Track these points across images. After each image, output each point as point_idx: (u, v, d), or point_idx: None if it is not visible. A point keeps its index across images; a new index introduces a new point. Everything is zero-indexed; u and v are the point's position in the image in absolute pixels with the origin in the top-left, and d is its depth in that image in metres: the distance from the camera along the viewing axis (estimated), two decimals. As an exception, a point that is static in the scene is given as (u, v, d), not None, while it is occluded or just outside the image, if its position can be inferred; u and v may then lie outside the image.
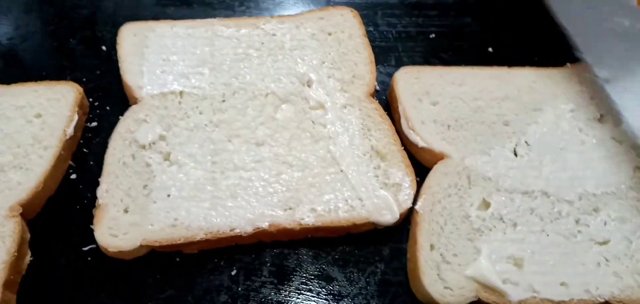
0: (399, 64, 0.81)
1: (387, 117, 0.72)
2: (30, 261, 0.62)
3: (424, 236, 0.62)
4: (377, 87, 0.78)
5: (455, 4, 0.92)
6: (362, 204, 0.64)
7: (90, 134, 0.73)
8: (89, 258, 0.63)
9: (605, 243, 0.63)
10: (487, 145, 0.69)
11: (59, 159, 0.66)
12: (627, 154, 0.70)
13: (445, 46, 0.86)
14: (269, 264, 0.64)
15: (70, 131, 0.68)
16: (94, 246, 0.62)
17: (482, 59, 0.83)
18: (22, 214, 0.62)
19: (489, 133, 0.71)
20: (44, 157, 0.66)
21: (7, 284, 0.57)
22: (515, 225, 0.63)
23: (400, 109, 0.72)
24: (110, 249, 0.60)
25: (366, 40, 0.80)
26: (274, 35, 0.79)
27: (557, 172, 0.68)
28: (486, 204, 0.65)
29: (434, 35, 0.87)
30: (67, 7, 0.88)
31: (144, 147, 0.67)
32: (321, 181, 0.66)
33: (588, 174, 0.67)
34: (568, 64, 0.79)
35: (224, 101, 0.72)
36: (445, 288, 0.59)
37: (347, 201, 0.65)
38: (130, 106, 0.72)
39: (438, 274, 0.60)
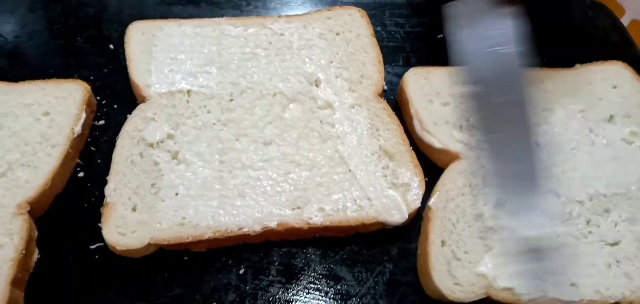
0: (407, 64, 0.81)
1: (395, 117, 0.72)
2: (38, 258, 0.61)
3: (436, 232, 0.61)
4: (385, 87, 0.77)
5: (463, 4, 0.92)
6: (371, 204, 0.64)
7: (97, 133, 0.73)
8: (97, 256, 0.62)
9: (616, 243, 0.62)
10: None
11: (67, 157, 0.66)
12: (637, 155, 0.69)
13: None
14: (276, 263, 0.64)
15: (78, 129, 0.68)
16: (101, 244, 0.62)
17: (490, 59, 0.83)
18: (29, 212, 0.61)
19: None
20: (52, 155, 0.65)
21: (15, 282, 0.57)
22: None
23: (412, 110, 0.72)
24: (118, 248, 0.60)
25: (374, 40, 0.80)
26: (282, 34, 0.79)
27: (567, 172, 0.67)
28: (500, 204, 0.64)
29: (441, 35, 0.87)
30: (73, 6, 0.88)
31: (152, 145, 0.67)
32: (329, 181, 0.66)
33: (598, 175, 0.67)
34: (577, 65, 0.79)
35: (231, 100, 0.72)
36: (455, 284, 0.59)
37: (355, 200, 0.64)
38: (137, 104, 0.72)
39: (448, 270, 0.60)
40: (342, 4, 0.85)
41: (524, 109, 0.55)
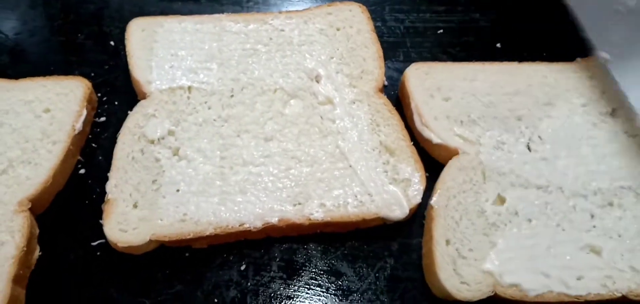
0: (407, 60, 0.81)
1: (396, 112, 0.72)
2: (39, 256, 0.61)
3: (440, 231, 0.61)
4: (386, 83, 0.77)
5: (463, -1, 0.91)
6: (372, 199, 0.64)
7: (98, 129, 0.73)
8: (98, 253, 0.62)
9: (620, 237, 0.62)
10: (501, 140, 0.69)
11: (68, 154, 0.66)
12: (640, 149, 0.69)
13: (453, 41, 0.86)
14: (278, 259, 0.64)
15: (78, 125, 0.68)
16: (103, 241, 0.62)
17: (491, 54, 0.83)
18: (31, 209, 0.62)
19: (501, 128, 0.70)
20: (53, 152, 0.65)
21: (17, 279, 0.57)
22: (530, 220, 0.63)
23: (412, 105, 0.72)
24: (120, 244, 0.60)
25: (374, 35, 0.79)
26: (282, 30, 0.79)
27: (571, 166, 0.67)
28: (501, 199, 0.64)
29: (442, 30, 0.87)
30: (74, 3, 0.88)
31: (152, 142, 0.67)
32: (330, 177, 0.66)
33: (602, 169, 0.67)
34: (578, 59, 0.78)
35: (232, 96, 0.72)
36: (462, 282, 0.59)
37: (356, 196, 0.64)
38: (138, 101, 0.72)
39: (454, 269, 0.59)
40: (342, -1, 0.85)
41: None
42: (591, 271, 0.60)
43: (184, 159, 0.66)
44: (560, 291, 0.58)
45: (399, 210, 0.63)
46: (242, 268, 0.63)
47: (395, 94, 0.78)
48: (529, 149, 0.69)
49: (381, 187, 0.65)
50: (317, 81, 0.74)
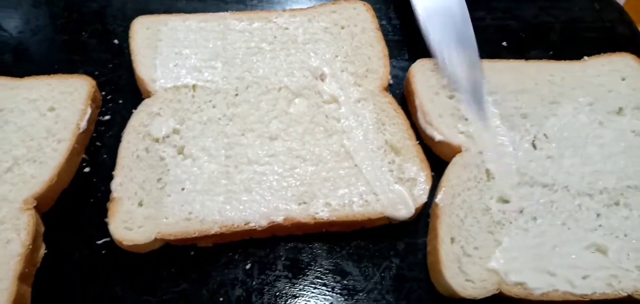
0: (412, 58, 0.80)
1: (401, 111, 0.72)
2: (45, 254, 0.61)
3: (445, 229, 0.61)
4: (391, 81, 0.77)
5: (469, -3, 0.91)
6: (377, 198, 0.64)
7: (103, 128, 0.73)
8: (103, 251, 0.62)
9: (627, 236, 0.62)
10: (506, 138, 0.69)
11: (73, 153, 0.66)
12: (646, 148, 0.69)
13: (458, 40, 0.85)
14: (283, 258, 0.63)
15: (83, 124, 0.68)
16: (108, 239, 0.62)
17: (496, 52, 0.82)
18: (36, 207, 0.61)
19: (507, 126, 0.70)
20: (58, 150, 0.65)
21: (22, 277, 0.57)
22: (535, 218, 0.63)
23: (416, 102, 0.71)
24: (125, 243, 0.60)
25: (379, 33, 0.79)
26: (287, 28, 0.78)
27: (577, 165, 0.67)
28: (506, 197, 0.64)
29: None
30: (76, 1, 0.87)
31: (157, 140, 0.67)
32: (335, 176, 0.65)
33: (608, 168, 0.67)
34: (585, 57, 0.78)
35: (237, 94, 0.72)
36: (467, 280, 0.58)
37: (361, 195, 0.64)
38: (143, 99, 0.72)
39: (459, 267, 0.59)
40: (347, -3, 0.85)
41: None
42: (597, 271, 0.60)
43: (189, 158, 0.66)
44: (565, 290, 0.58)
45: (404, 209, 0.63)
46: (248, 266, 0.63)
47: (401, 93, 0.78)
48: (534, 147, 0.69)
49: (387, 187, 0.65)
50: (322, 80, 0.74)
